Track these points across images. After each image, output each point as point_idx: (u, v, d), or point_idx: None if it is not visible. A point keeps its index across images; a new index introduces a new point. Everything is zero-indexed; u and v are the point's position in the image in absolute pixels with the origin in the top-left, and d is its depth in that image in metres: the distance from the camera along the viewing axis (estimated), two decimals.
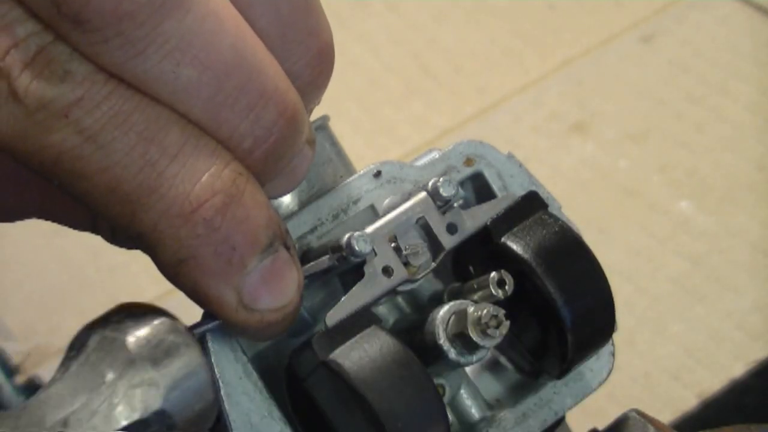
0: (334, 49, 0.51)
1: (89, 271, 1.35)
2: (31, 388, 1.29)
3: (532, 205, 0.58)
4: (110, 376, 0.47)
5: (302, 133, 0.50)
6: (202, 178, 0.47)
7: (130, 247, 0.53)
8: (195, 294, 0.49)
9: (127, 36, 0.44)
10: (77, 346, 0.49)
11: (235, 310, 0.49)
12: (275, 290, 0.50)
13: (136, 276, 1.34)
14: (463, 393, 0.60)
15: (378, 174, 0.58)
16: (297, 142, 0.50)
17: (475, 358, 0.54)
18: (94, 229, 0.57)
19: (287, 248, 0.50)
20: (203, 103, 0.46)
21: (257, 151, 0.48)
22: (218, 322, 0.52)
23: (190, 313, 0.52)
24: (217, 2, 0.46)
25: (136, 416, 0.47)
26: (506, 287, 0.55)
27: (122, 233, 0.48)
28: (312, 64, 0.50)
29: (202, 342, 0.54)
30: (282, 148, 0.49)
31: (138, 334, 0.48)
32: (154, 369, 0.48)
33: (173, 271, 0.49)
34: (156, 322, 0.49)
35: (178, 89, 0.46)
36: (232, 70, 0.47)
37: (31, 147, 0.45)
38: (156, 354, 0.48)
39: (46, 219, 0.58)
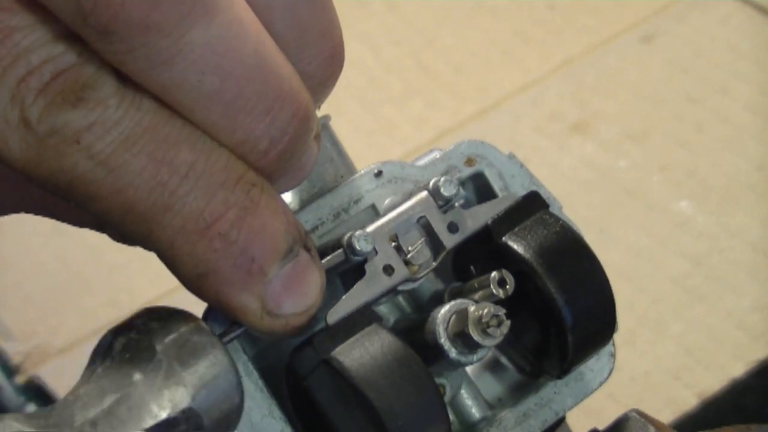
0: (344, 49, 0.51)
1: (89, 271, 1.35)
2: (31, 388, 1.30)
3: (533, 205, 0.58)
4: (137, 376, 0.48)
5: (312, 131, 0.50)
6: (216, 193, 0.47)
7: (136, 245, 0.53)
8: (219, 304, 0.50)
9: (154, 46, 0.44)
10: (102, 350, 0.49)
11: (260, 318, 0.50)
12: (298, 294, 0.50)
13: (136, 276, 1.34)
14: (464, 392, 0.60)
15: (379, 173, 0.59)
16: (308, 139, 0.50)
17: (475, 357, 0.54)
18: (100, 228, 0.58)
19: (307, 250, 0.51)
20: (222, 109, 0.47)
21: (272, 152, 0.48)
22: (244, 328, 0.52)
23: (191, 312, 0.52)
24: (239, 7, 0.46)
25: (164, 415, 0.47)
26: (507, 287, 0.55)
27: (142, 246, 0.48)
28: (324, 64, 0.50)
29: None
30: (295, 147, 0.49)
31: (163, 336, 0.49)
32: (181, 369, 0.48)
33: (194, 284, 0.49)
34: (180, 323, 0.49)
35: (200, 97, 0.46)
36: (253, 76, 0.46)
37: (45, 172, 0.46)
38: (182, 354, 0.48)
39: (50, 217, 0.58)
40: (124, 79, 0.46)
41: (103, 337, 0.50)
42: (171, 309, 0.50)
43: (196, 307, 0.52)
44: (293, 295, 0.50)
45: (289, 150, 0.49)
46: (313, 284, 0.51)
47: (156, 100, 0.46)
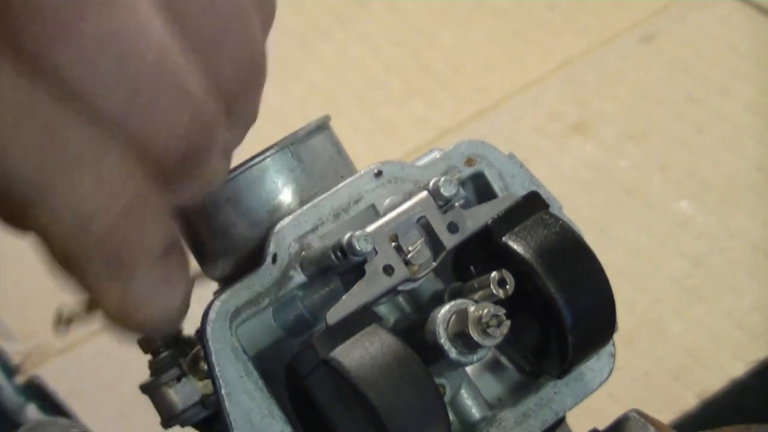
0: (265, 59, 0.50)
1: None
2: (31, 388, 1.30)
3: (533, 205, 0.58)
4: None
5: (216, 143, 0.49)
6: (103, 185, 0.46)
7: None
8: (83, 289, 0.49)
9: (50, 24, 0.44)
10: None
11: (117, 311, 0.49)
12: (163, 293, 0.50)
13: None
14: (464, 393, 0.60)
15: (379, 174, 0.59)
16: (210, 150, 0.49)
17: (475, 357, 0.54)
18: None
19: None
20: (116, 102, 0.45)
21: (168, 157, 0.47)
22: None
23: (191, 312, 0.52)
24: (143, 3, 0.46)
25: None
26: (507, 287, 0.55)
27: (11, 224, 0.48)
28: (239, 73, 0.49)
29: (202, 334, 0.54)
30: (194, 156, 0.48)
31: None
32: None
33: (61, 267, 0.48)
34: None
35: (95, 85, 0.45)
36: (152, 72, 0.46)
37: None
38: None
39: None
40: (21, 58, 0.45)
41: None
42: (50, 420, 0.50)
43: (197, 306, 0.52)
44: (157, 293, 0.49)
45: (187, 157, 0.48)
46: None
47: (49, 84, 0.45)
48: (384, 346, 0.52)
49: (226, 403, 0.53)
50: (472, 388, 0.60)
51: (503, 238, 0.57)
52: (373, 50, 1.55)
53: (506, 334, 0.53)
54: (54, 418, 0.48)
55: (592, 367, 0.60)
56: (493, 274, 0.55)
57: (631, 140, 1.42)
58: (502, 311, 0.53)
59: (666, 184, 1.37)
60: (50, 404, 1.27)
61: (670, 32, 1.54)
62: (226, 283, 0.57)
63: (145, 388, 0.62)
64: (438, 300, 0.59)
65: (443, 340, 0.54)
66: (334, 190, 0.58)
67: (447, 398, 0.58)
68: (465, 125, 1.47)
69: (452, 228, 0.57)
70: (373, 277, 0.55)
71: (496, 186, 0.60)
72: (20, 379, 1.30)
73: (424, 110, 1.49)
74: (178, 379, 0.61)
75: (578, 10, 1.58)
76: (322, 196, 0.58)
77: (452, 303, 0.55)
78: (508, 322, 0.53)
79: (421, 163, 0.60)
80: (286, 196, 0.58)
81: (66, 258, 0.48)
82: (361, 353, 0.52)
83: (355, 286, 0.54)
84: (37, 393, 1.29)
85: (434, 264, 0.56)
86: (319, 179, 0.59)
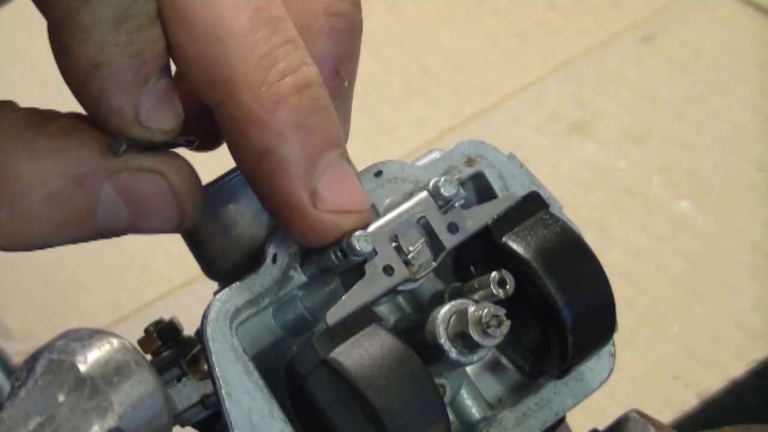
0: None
1: (89, 271, 1.35)
2: None
3: (533, 205, 0.58)
4: (62, 397, 0.47)
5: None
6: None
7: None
8: (99, 104, 0.52)
9: None
10: (24, 373, 0.48)
11: (131, 126, 0.52)
12: (166, 111, 0.53)
13: (136, 276, 1.33)
14: (464, 393, 0.60)
15: (379, 174, 0.59)
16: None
17: (475, 357, 0.54)
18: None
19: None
20: None
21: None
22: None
23: (191, 312, 0.52)
24: None
25: None
26: (507, 287, 0.55)
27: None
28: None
29: (202, 334, 0.54)
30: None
31: (87, 355, 0.48)
32: (107, 388, 0.48)
33: (85, 76, 0.52)
34: (103, 342, 0.49)
35: None
36: None
37: None
38: (106, 373, 0.48)
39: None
40: None
41: (24, 361, 0.49)
42: (93, 329, 0.50)
43: (197, 306, 0.52)
44: (163, 110, 0.53)
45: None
46: (177, 110, 0.53)
47: None
48: (384, 346, 0.52)
49: (226, 403, 0.53)
50: (472, 388, 0.60)
51: (503, 238, 0.57)
52: (373, 50, 1.55)
53: (506, 335, 0.53)
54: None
55: (592, 367, 0.60)
56: (493, 274, 0.55)
57: (631, 140, 1.42)
58: (502, 311, 0.53)
59: (666, 184, 1.37)
60: None
61: (670, 32, 1.53)
62: (226, 283, 0.57)
63: None
64: (438, 300, 0.59)
65: (443, 340, 0.54)
66: None
67: (447, 398, 0.58)
68: (465, 125, 1.47)
69: (452, 228, 0.57)
70: (373, 277, 0.55)
71: (496, 186, 0.60)
72: None
73: (424, 110, 1.49)
74: (178, 379, 0.61)
75: (578, 10, 1.58)
76: None
77: (452, 303, 0.55)
78: (508, 322, 0.53)
79: (421, 163, 0.60)
80: None
81: (97, 61, 0.51)
82: (361, 353, 0.52)
83: (355, 286, 0.54)
84: None
85: (434, 264, 0.56)
86: None
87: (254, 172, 0.53)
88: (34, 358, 0.49)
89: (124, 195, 0.54)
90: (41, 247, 0.54)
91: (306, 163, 0.52)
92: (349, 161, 0.54)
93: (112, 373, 0.48)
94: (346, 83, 0.55)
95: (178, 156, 0.55)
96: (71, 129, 0.53)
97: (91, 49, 0.50)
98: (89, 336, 0.49)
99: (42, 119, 0.53)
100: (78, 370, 0.48)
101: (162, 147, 0.54)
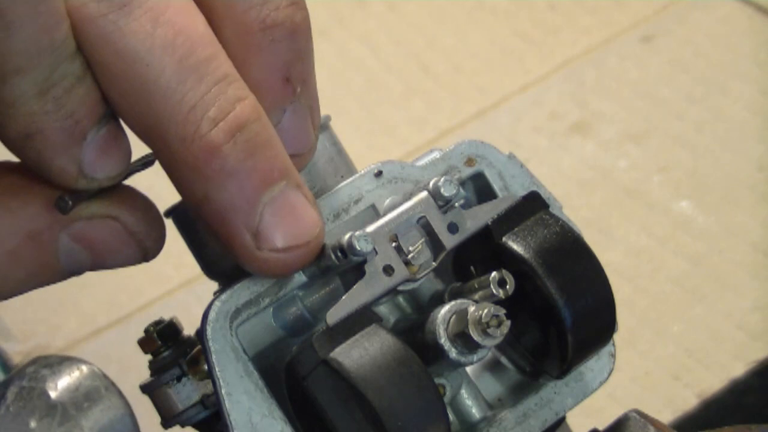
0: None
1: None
2: None
3: (533, 205, 0.58)
4: (33, 423, 0.48)
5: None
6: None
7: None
8: (39, 167, 0.52)
9: None
10: None
11: (75, 180, 0.52)
12: (111, 157, 0.53)
13: (136, 276, 1.33)
14: (464, 393, 0.60)
15: (379, 174, 0.59)
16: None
17: (475, 357, 0.54)
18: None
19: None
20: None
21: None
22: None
23: (191, 312, 0.52)
24: None
25: None
26: (507, 287, 0.55)
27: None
28: None
29: (202, 334, 0.54)
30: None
31: (57, 382, 0.49)
32: (77, 414, 0.48)
33: (19, 145, 0.51)
34: (73, 368, 0.49)
35: None
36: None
37: None
38: (77, 399, 0.49)
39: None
40: None
41: None
42: (62, 356, 0.50)
43: (197, 306, 0.52)
44: (107, 158, 0.52)
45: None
46: (123, 152, 0.53)
47: None
48: (384, 347, 0.52)
49: (226, 403, 0.53)
50: (472, 388, 0.60)
51: (503, 238, 0.57)
52: (373, 50, 1.55)
53: (506, 335, 0.53)
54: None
55: (592, 367, 0.60)
56: (493, 274, 0.55)
57: (631, 140, 1.42)
58: (502, 311, 0.53)
59: (666, 184, 1.37)
60: None
61: (670, 32, 1.53)
62: (226, 283, 0.57)
63: (145, 388, 0.62)
64: (438, 300, 0.59)
65: (443, 340, 0.54)
66: (334, 190, 0.58)
67: (447, 398, 0.58)
68: (465, 125, 1.47)
69: (452, 228, 0.57)
70: (373, 278, 0.55)
71: (496, 186, 0.60)
72: None
73: (424, 110, 1.49)
74: (178, 379, 0.61)
75: (578, 10, 1.58)
76: (323, 196, 0.58)
77: (452, 303, 0.55)
78: (508, 322, 0.53)
79: (421, 163, 0.60)
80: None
81: (27, 132, 0.51)
82: (361, 353, 0.52)
83: (355, 286, 0.54)
84: None
85: (434, 264, 0.56)
86: (319, 179, 0.59)
87: (199, 216, 0.53)
88: (4, 385, 0.49)
89: (81, 242, 0.54)
90: (12, 296, 0.54)
91: (246, 206, 0.52)
92: (296, 185, 0.53)
93: (82, 398, 0.49)
94: (299, 89, 0.54)
95: (132, 192, 0.55)
96: (20, 185, 0.53)
97: (20, 121, 0.50)
98: (59, 363, 0.50)
99: None
100: (49, 396, 0.48)
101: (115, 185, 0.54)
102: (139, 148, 0.54)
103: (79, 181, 0.52)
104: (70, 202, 0.52)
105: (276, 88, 0.53)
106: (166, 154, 0.51)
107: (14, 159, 0.53)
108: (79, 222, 0.53)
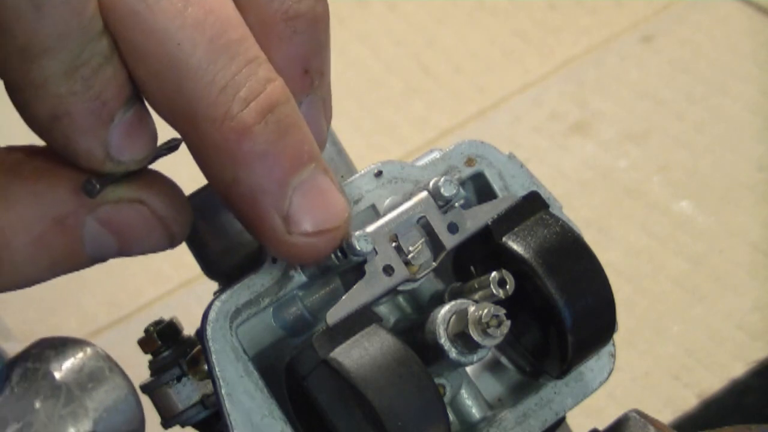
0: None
1: (89, 271, 1.35)
2: None
3: (533, 205, 0.58)
4: (38, 404, 0.48)
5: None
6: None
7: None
8: (66, 150, 0.51)
9: None
10: None
11: (102, 163, 0.52)
12: (139, 141, 0.52)
13: (136, 276, 1.34)
14: (464, 393, 0.60)
15: (379, 174, 0.59)
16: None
17: (475, 357, 0.54)
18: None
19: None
20: None
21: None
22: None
23: (191, 312, 0.52)
24: None
25: None
26: (507, 287, 0.55)
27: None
28: None
29: (202, 334, 0.54)
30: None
31: (61, 362, 0.49)
32: (81, 395, 0.48)
33: (46, 127, 0.51)
34: (77, 349, 0.50)
35: None
36: None
37: None
38: (81, 379, 0.49)
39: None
40: None
41: None
42: (66, 338, 0.51)
43: (197, 306, 0.52)
44: (134, 140, 0.51)
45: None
46: (150, 135, 0.52)
47: None
48: (384, 347, 0.52)
49: (226, 403, 0.53)
50: (472, 388, 0.60)
51: (503, 238, 0.57)
52: (373, 50, 1.55)
53: (506, 335, 0.53)
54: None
55: (592, 367, 0.60)
56: (493, 274, 0.55)
57: (631, 140, 1.42)
58: (502, 311, 0.53)
59: (666, 184, 1.37)
60: None
61: (670, 32, 1.54)
62: (226, 283, 0.57)
63: (145, 388, 0.62)
64: (438, 300, 0.59)
65: (443, 340, 0.54)
66: None
67: (447, 398, 0.58)
68: (465, 125, 1.47)
69: (452, 228, 0.57)
70: (373, 278, 0.55)
71: (496, 186, 0.60)
72: None
73: (424, 110, 1.49)
74: (178, 379, 0.61)
75: (578, 10, 1.58)
76: None
77: (452, 303, 0.55)
78: (508, 322, 0.53)
79: (421, 163, 0.60)
80: None
81: (54, 114, 0.50)
82: (361, 353, 0.52)
83: (355, 286, 0.54)
84: None
85: (434, 264, 0.56)
86: None
87: (227, 200, 0.52)
88: (9, 367, 0.49)
89: (108, 227, 0.53)
90: (36, 284, 0.54)
91: (276, 189, 0.51)
92: (324, 170, 0.53)
93: (87, 379, 0.49)
94: (316, 82, 0.54)
95: (159, 177, 0.54)
96: (46, 169, 0.52)
97: (48, 102, 0.49)
98: (62, 344, 0.50)
99: (15, 161, 0.52)
100: (53, 377, 0.48)
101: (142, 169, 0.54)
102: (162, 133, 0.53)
103: (106, 164, 0.51)
104: (98, 186, 0.51)
105: (295, 79, 0.53)
106: (194, 136, 0.51)
107: (40, 143, 0.52)
108: (105, 206, 0.52)
